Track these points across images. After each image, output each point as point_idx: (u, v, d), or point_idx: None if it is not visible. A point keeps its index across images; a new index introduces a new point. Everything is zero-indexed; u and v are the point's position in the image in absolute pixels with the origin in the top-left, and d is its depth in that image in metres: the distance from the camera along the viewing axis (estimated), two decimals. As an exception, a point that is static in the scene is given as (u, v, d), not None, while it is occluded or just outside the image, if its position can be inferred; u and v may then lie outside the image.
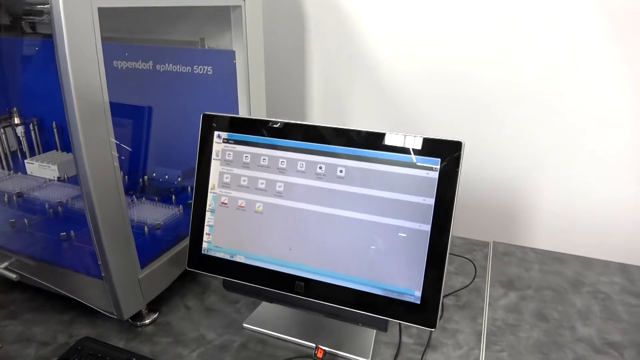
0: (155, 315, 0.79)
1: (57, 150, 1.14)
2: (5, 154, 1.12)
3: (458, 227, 1.09)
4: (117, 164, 0.66)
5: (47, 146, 1.16)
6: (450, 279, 0.90)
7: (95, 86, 0.61)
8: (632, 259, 0.97)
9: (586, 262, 0.96)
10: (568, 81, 0.94)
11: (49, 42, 1.05)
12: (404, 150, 0.62)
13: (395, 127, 1.12)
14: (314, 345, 0.71)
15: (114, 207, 0.67)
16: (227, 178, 0.72)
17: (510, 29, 0.95)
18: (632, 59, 0.89)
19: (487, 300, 0.84)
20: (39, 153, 1.15)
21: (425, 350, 0.72)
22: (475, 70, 1.00)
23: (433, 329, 0.62)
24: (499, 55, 0.97)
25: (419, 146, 0.62)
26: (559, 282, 0.90)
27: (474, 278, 0.90)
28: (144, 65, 1.01)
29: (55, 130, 1.13)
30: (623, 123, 0.93)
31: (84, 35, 0.58)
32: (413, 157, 0.62)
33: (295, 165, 0.68)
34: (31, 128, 1.14)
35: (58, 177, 1.04)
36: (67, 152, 1.11)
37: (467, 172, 1.06)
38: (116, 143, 0.93)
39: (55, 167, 1.04)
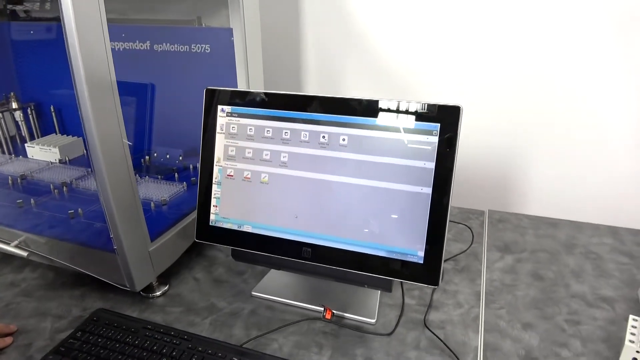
0: (166, 288, 0.81)
1: (57, 134, 1.15)
2: (5, 139, 1.12)
3: (454, 197, 1.12)
4: (126, 140, 0.68)
5: (46, 130, 1.17)
6: (449, 245, 0.94)
7: (103, 65, 0.62)
8: (621, 221, 1.01)
9: (578, 226, 1.00)
10: (559, 56, 0.97)
11: (45, 26, 1.06)
12: (404, 117, 0.65)
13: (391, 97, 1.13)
14: (322, 308, 0.74)
15: (124, 182, 0.69)
16: (232, 151, 0.74)
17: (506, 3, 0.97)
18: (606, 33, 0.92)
19: (484, 264, 0.88)
20: (38, 137, 1.15)
21: (427, 310, 0.75)
22: (472, 41, 1.02)
23: (436, 287, 0.66)
24: (495, 27, 0.99)
25: (418, 112, 0.64)
26: (553, 244, 0.94)
27: (471, 243, 0.94)
28: (141, 46, 1.01)
29: (53, 113, 1.14)
30: (611, 94, 0.96)
31: (90, 15, 0.59)
32: (413, 123, 0.64)
33: (299, 135, 0.70)
34: (29, 112, 1.15)
35: (60, 160, 1.05)
36: (67, 135, 1.12)
37: (462, 143, 1.08)
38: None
39: (56, 150, 1.05)
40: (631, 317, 0.67)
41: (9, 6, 1.06)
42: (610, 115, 0.98)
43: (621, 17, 0.90)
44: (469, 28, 1.01)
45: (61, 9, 0.57)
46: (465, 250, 0.92)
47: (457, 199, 1.12)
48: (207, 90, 0.75)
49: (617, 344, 0.68)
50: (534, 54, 0.98)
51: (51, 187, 0.93)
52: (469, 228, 0.99)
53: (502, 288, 0.81)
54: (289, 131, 0.71)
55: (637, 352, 0.62)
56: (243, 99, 0.73)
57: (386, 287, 0.70)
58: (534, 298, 0.78)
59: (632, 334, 0.64)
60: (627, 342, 0.63)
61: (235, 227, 0.75)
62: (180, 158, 1.06)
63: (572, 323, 0.72)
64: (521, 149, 1.07)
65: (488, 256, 0.90)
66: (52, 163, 1.05)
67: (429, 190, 0.65)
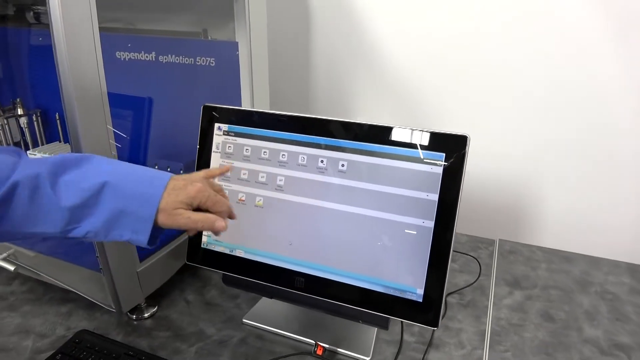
0: (154, 309, 0.78)
1: (60, 142, 1.13)
2: (9, 145, 1.11)
3: (463, 224, 1.07)
4: (115, 153, 0.65)
5: (51, 138, 1.15)
6: (455, 277, 0.89)
7: (93, 76, 0.60)
8: (641, 259, 0.95)
9: (594, 262, 0.94)
10: (573, 81, 0.92)
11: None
12: (407, 144, 0.61)
13: (400, 121, 1.10)
14: (314, 342, 0.69)
15: (112, 200, 0.66)
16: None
17: (518, 23, 0.92)
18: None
19: (491, 299, 0.83)
20: (42, 144, 1.14)
21: (427, 349, 0.71)
22: (482, 67, 0.98)
23: (435, 328, 0.61)
24: (504, 53, 0.95)
25: (423, 140, 0.60)
26: (566, 281, 0.88)
27: (478, 276, 0.88)
28: (147, 57, 0.99)
29: (58, 121, 1.13)
30: (629, 124, 0.91)
31: (81, 24, 0.57)
32: (416, 151, 0.60)
33: (297, 158, 0.66)
34: (34, 119, 1.14)
35: (60, 169, 1.03)
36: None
37: (474, 168, 1.03)
38: (117, 134, 0.92)
39: (57, 159, 1.03)
40: (649, 371, 0.62)
41: (15, 11, 1.05)
42: (630, 144, 0.92)
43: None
44: (483, 50, 0.96)
45: (50, 15, 0.55)
46: (472, 284, 0.87)
47: (467, 225, 1.07)
48: (205, 107, 0.72)
49: (632, 400, 0.62)
50: (548, 79, 0.94)
51: (47, 197, 0.91)
52: (477, 259, 0.93)
53: (509, 328, 0.76)
54: (286, 154, 0.67)
55: (655, 413, 0.57)
56: (241, 118, 0.70)
57: (382, 325, 0.65)
58: (542, 341, 0.73)
59: (650, 391, 0.59)
60: (643, 401, 0.57)
61: (227, 251, 0.72)
62: (181, 172, 1.04)
63: (584, 372, 0.67)
64: (535, 175, 1.02)
65: (496, 291, 0.85)
66: (52, 172, 1.03)
67: (431, 223, 0.60)
